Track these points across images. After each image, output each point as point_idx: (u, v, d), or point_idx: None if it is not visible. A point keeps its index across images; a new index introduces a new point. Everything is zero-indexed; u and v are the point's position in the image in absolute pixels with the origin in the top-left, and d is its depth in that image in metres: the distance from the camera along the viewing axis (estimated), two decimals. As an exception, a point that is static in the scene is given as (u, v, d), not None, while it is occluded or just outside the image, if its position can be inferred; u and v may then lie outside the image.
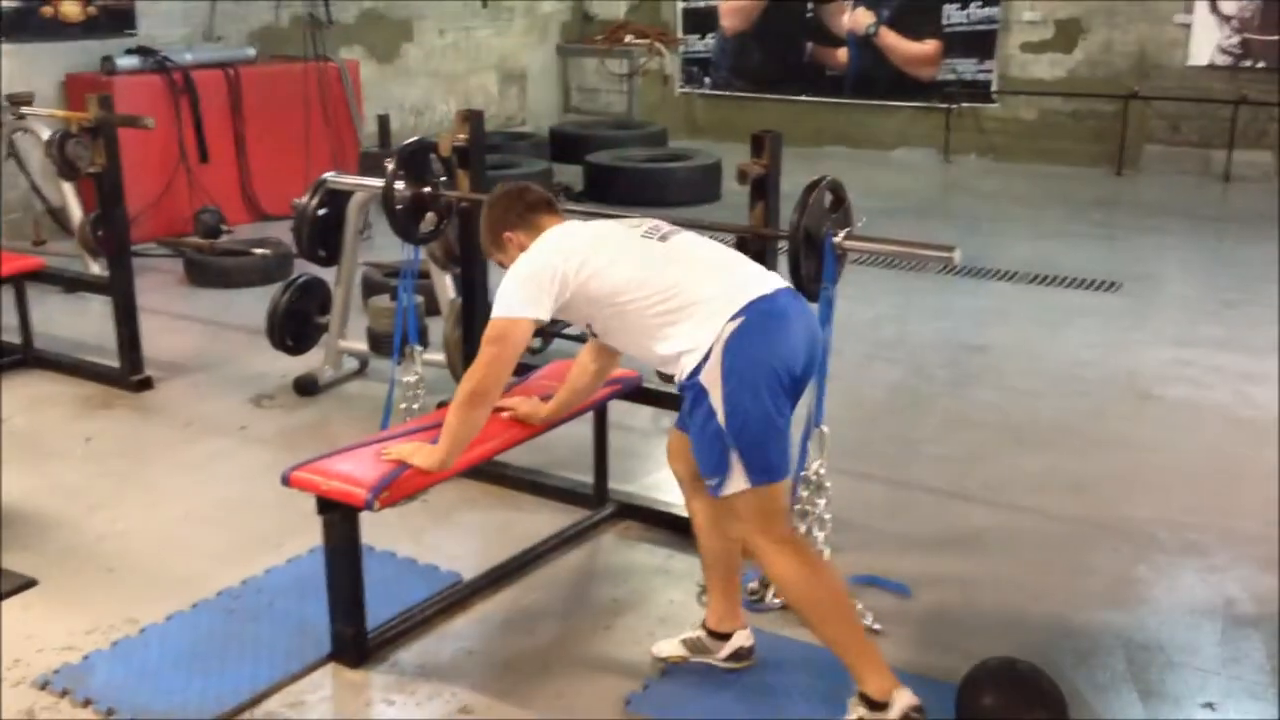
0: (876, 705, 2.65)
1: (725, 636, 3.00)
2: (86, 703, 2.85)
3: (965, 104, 10.29)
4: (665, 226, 2.93)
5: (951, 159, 10.38)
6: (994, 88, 10.21)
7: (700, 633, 3.03)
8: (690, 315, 2.70)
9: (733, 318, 2.65)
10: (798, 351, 2.69)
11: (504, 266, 2.96)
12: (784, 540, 2.74)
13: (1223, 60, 9.39)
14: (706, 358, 2.66)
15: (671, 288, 2.73)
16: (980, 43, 10.19)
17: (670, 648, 3.04)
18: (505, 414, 3.26)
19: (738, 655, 3.01)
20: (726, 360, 2.63)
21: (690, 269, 2.78)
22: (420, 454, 2.96)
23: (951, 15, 10.22)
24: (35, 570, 3.46)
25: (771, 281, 2.78)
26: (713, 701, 2.87)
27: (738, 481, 2.68)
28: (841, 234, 3.24)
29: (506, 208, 3.04)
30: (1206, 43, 9.40)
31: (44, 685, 2.92)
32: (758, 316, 2.66)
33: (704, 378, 2.66)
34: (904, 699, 2.64)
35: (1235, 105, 9.25)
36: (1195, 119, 9.55)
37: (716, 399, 2.64)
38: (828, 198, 3.25)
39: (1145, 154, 9.80)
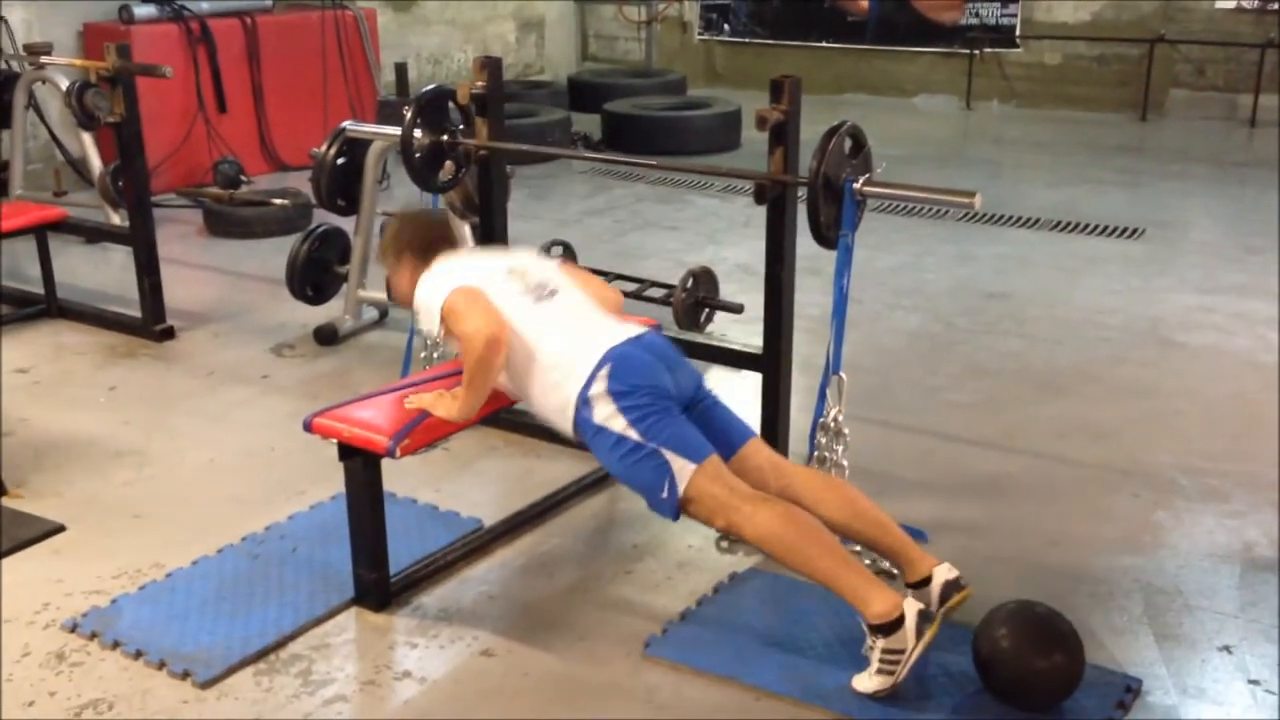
0: (889, 626, 2.63)
1: (924, 583, 2.85)
2: (115, 645, 2.90)
3: (988, 49, 10.17)
4: (548, 285, 3.11)
5: (973, 105, 10.27)
6: (1018, 32, 10.09)
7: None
8: (560, 374, 2.94)
9: (599, 365, 2.89)
10: (661, 374, 2.93)
11: (388, 280, 3.38)
12: (750, 498, 2.79)
13: (1250, 3, 9.25)
14: (587, 409, 2.88)
15: (544, 347, 2.97)
16: (1004, -14, 10.05)
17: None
18: None
19: (947, 591, 2.83)
20: (611, 391, 2.86)
21: (561, 330, 3.00)
22: (442, 403, 3.00)
23: (975, -41, 10.08)
24: (63, 516, 3.51)
25: (629, 329, 3.04)
26: (732, 645, 2.90)
27: (684, 470, 2.80)
28: (861, 180, 3.22)
29: (418, 232, 3.34)
30: (1233, -16, 9.26)
31: (73, 628, 2.97)
32: (621, 359, 2.90)
33: (598, 418, 2.87)
34: (914, 606, 2.66)
35: (1262, 49, 9.11)
36: (1221, 63, 9.42)
37: (620, 424, 2.85)
38: (847, 143, 3.23)
39: (1170, 99, 9.69)
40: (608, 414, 2.86)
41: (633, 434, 2.83)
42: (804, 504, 2.86)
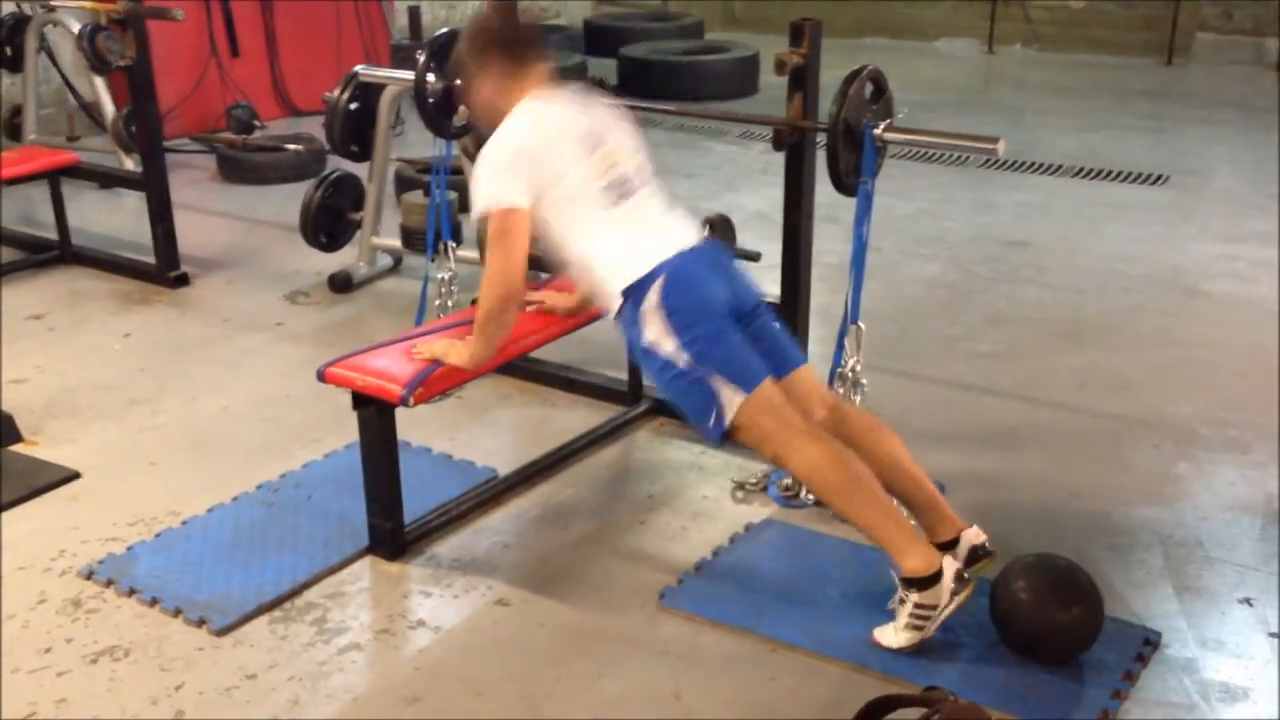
0: (926, 580, 2.60)
1: (951, 544, 2.79)
2: (131, 592, 2.90)
3: (1011, -8, 9.99)
4: (629, 180, 2.93)
5: (996, 49, 10.11)
6: (1042, -26, 9.90)
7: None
8: (612, 274, 2.84)
9: (653, 275, 2.78)
10: (717, 287, 2.83)
11: (464, 101, 3.07)
12: (801, 431, 2.72)
13: (1280, -56, 9.05)
14: (635, 327, 2.78)
15: (602, 247, 2.85)
16: (1028, -73, 9.86)
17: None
18: (532, 308, 3.26)
19: (973, 556, 2.77)
20: (664, 307, 2.75)
21: (624, 233, 2.87)
22: (453, 351, 2.96)
23: (999, -102, 9.87)
24: (78, 464, 3.51)
25: (687, 239, 2.92)
26: (747, 596, 2.89)
27: (733, 400, 2.71)
28: (882, 126, 3.16)
29: (505, 28, 3.01)
30: (1264, -75, 9.06)
31: (89, 575, 2.98)
32: (676, 272, 2.79)
33: (648, 337, 2.77)
34: (952, 566, 2.62)
35: (1292, -9, 8.94)
36: (1249, 5, 9.23)
37: (670, 345, 2.75)
38: (868, 88, 3.17)
39: (1196, 42, 9.51)
40: (657, 333, 2.76)
41: (682, 358, 2.73)
42: (845, 441, 2.79)
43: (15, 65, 6.39)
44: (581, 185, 2.86)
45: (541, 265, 3.42)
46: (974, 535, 2.80)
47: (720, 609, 2.84)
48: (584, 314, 3.29)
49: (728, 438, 2.78)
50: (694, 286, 2.81)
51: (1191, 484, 3.42)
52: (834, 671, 2.64)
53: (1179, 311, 4.70)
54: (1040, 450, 3.62)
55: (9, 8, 6.50)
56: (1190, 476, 3.46)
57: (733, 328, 2.80)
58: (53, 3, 6.00)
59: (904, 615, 2.64)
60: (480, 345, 2.92)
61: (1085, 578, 2.66)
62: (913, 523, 2.93)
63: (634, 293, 2.79)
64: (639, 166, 2.99)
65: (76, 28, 5.63)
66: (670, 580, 2.96)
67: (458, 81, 3.14)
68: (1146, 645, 2.70)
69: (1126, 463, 3.54)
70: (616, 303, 2.83)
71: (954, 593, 2.61)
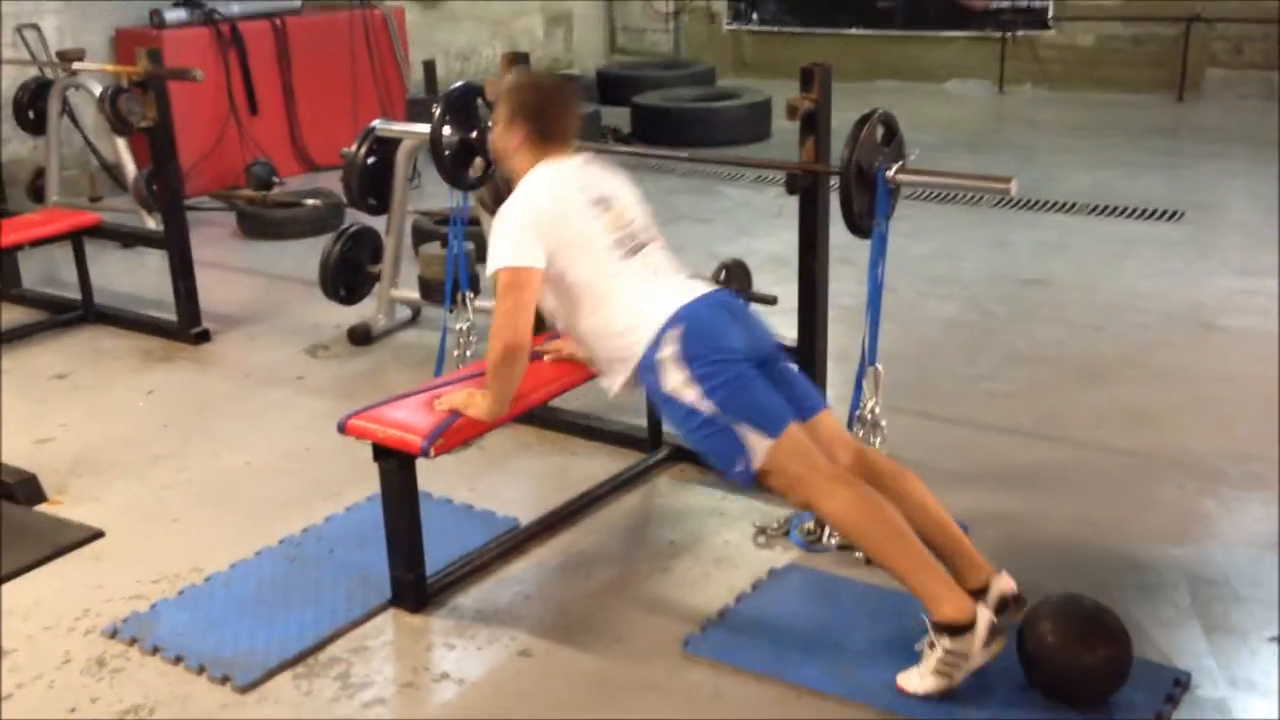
0: (959, 628, 2.57)
1: (980, 592, 2.72)
2: (155, 650, 2.91)
3: (1020, 32, 10.05)
4: (636, 236, 2.99)
5: (1006, 89, 10.16)
6: (1050, 14, 9.96)
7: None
8: (626, 330, 2.88)
9: (669, 325, 2.81)
10: (735, 333, 2.85)
11: (494, 148, 3.16)
12: (832, 475, 2.72)
13: (1289, -22, 9.09)
14: (653, 374, 2.80)
15: (615, 303, 2.90)
16: (1036, -32, 9.93)
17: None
18: (548, 356, 3.27)
19: (1002, 604, 2.70)
20: (684, 355, 2.77)
21: (635, 287, 2.92)
22: (473, 402, 2.98)
23: (1006, -59, 9.96)
24: (102, 522, 3.53)
25: (699, 288, 2.97)
26: (772, 642, 2.87)
27: (760, 445, 2.72)
28: (894, 168, 3.18)
29: (535, 97, 3.08)
30: (1272, -39, 9.10)
31: (113, 634, 2.98)
32: (693, 319, 2.82)
33: (669, 386, 2.78)
34: (987, 616, 2.59)
35: (1302, 25, 8.96)
36: (1259, 40, 9.26)
37: (692, 394, 2.76)
38: (880, 131, 3.19)
39: (1207, 78, 9.54)
40: (678, 382, 2.77)
41: (705, 406, 2.74)
42: (871, 486, 2.75)
43: (38, 129, 6.49)
44: (595, 243, 2.94)
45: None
46: (1004, 584, 2.76)
47: (745, 655, 2.83)
48: None
49: (755, 483, 2.78)
50: (712, 333, 2.82)
51: (1216, 521, 3.39)
52: (861, 717, 2.62)
53: (1198, 347, 4.69)
54: (1062, 489, 3.60)
55: (32, 72, 6.62)
56: (1215, 513, 3.43)
57: (754, 373, 2.81)
58: (75, 66, 6.12)
59: (932, 660, 2.61)
60: (493, 397, 2.94)
61: (1113, 618, 2.64)
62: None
63: (651, 344, 2.82)
64: (645, 224, 3.07)
65: (98, 90, 5.73)
66: (694, 627, 2.94)
67: (491, 124, 3.23)
68: (1176, 686, 2.67)
69: (1150, 500, 3.52)
70: (636, 354, 2.85)
71: (986, 644, 2.58)
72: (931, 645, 2.62)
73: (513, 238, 2.89)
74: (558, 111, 3.11)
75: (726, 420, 2.73)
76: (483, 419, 2.98)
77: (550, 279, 2.91)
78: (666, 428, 3.81)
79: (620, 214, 3.01)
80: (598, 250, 2.93)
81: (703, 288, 2.97)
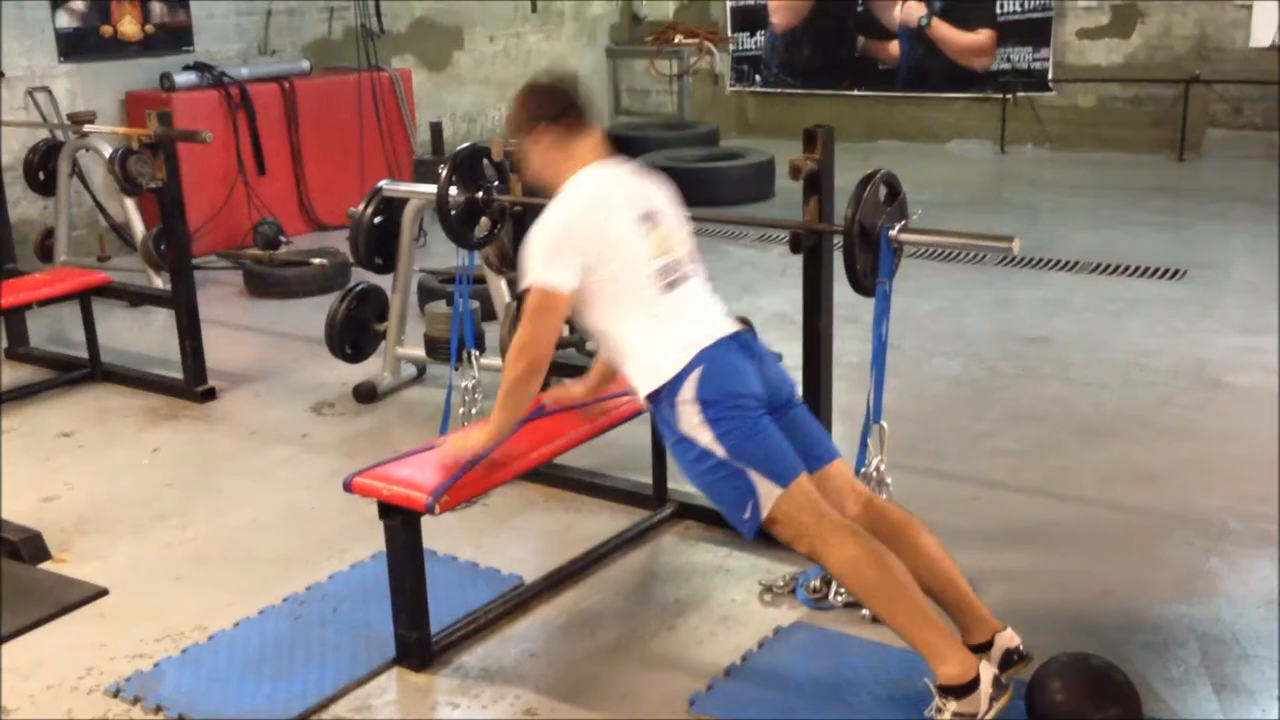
0: (963, 688, 2.56)
1: (984, 647, 2.75)
2: (158, 709, 2.89)
3: (1021, 93, 10.15)
4: (681, 266, 2.95)
5: (1007, 150, 10.24)
6: (1050, 76, 10.07)
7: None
8: (650, 361, 2.84)
9: (691, 365, 2.77)
10: (753, 378, 2.82)
11: (517, 162, 3.09)
12: (839, 527, 2.70)
13: (1286, 41, 9.19)
14: (671, 411, 2.77)
15: (646, 330, 2.86)
16: (1035, 30, 10.03)
17: None
18: (549, 403, 3.30)
19: (1007, 660, 2.74)
20: (700, 400, 2.74)
21: (669, 318, 2.87)
22: (471, 438, 2.99)
23: (1005, 4, 10.08)
24: (106, 580, 3.52)
25: (725, 327, 2.91)
26: (779, 701, 2.85)
27: (769, 494, 2.71)
28: (897, 227, 3.21)
29: (548, 99, 3.03)
30: (1268, 23, 9.17)
31: (116, 693, 2.97)
32: (713, 362, 2.79)
33: (683, 428, 2.76)
34: (990, 671, 2.58)
35: (1300, 86, 9.04)
36: (1258, 101, 9.34)
37: (706, 437, 2.74)
38: (882, 191, 3.22)
39: (1207, 138, 9.61)
40: (693, 424, 2.75)
41: (718, 450, 2.72)
42: (879, 537, 2.75)
43: (48, 189, 6.56)
44: (635, 264, 2.86)
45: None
46: (1009, 638, 2.75)
47: (751, 714, 2.81)
48: (599, 394, 3.32)
49: (762, 532, 2.76)
50: (730, 378, 2.79)
51: (1224, 579, 3.38)
52: (869, 778, 2.60)
53: (1204, 404, 4.69)
54: (1069, 547, 3.59)
55: (43, 134, 6.70)
56: (1223, 571, 3.41)
57: (768, 420, 2.80)
58: (85, 128, 6.19)
59: None
60: (503, 417, 2.93)
61: (1122, 677, 2.62)
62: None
63: (670, 386, 2.79)
64: (690, 252, 3.02)
65: (108, 152, 5.80)
66: (700, 686, 2.92)
67: (512, 143, 3.17)
68: (1187, 745, 2.65)
69: (1157, 558, 3.51)
70: (649, 391, 2.83)
71: (992, 699, 2.56)
72: (939, 710, 2.60)
73: (545, 250, 2.83)
74: (571, 97, 3.05)
75: (738, 465, 2.72)
76: (488, 444, 2.96)
77: (583, 288, 2.83)
78: (672, 484, 3.81)
79: (667, 236, 2.94)
80: (638, 275, 2.85)
81: (729, 327, 2.92)
